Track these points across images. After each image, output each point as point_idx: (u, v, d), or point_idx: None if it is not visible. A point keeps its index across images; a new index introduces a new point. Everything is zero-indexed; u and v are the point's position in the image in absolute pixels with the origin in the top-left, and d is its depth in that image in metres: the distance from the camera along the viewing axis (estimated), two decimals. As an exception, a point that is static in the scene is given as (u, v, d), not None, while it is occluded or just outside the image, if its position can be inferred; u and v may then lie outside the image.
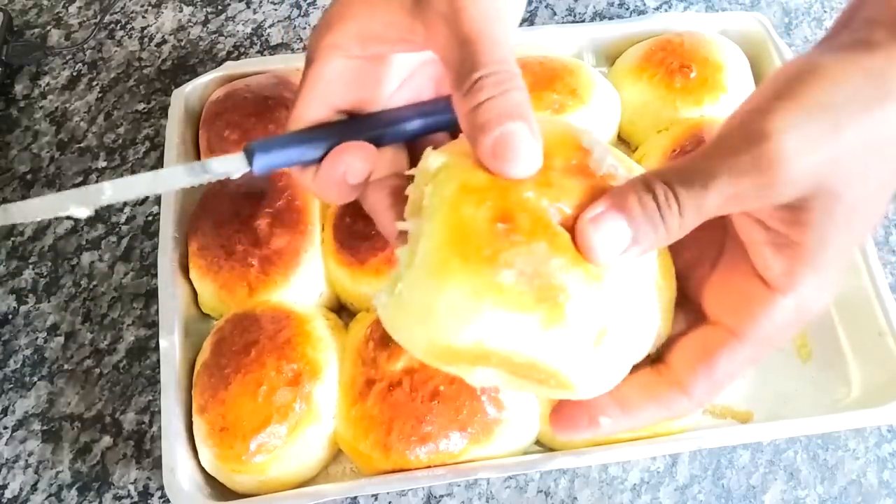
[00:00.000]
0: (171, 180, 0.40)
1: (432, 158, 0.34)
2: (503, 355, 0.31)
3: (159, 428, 0.52)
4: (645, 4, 0.77)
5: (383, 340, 0.51)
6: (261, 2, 0.76)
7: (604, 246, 0.30)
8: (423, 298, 0.31)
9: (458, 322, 0.30)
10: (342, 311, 0.59)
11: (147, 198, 0.65)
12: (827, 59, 0.31)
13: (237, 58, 0.73)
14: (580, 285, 0.30)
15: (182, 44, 0.74)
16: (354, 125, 0.39)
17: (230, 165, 0.38)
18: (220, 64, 0.68)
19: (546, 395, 0.34)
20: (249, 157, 0.38)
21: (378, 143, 0.39)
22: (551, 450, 0.52)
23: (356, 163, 0.37)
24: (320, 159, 0.38)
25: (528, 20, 0.75)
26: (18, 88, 0.71)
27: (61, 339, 0.59)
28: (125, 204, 0.65)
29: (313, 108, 0.38)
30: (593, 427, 0.35)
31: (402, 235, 0.36)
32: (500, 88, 0.32)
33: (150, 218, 0.64)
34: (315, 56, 0.37)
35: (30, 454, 0.55)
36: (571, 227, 0.31)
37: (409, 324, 0.32)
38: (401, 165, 0.41)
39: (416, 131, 0.40)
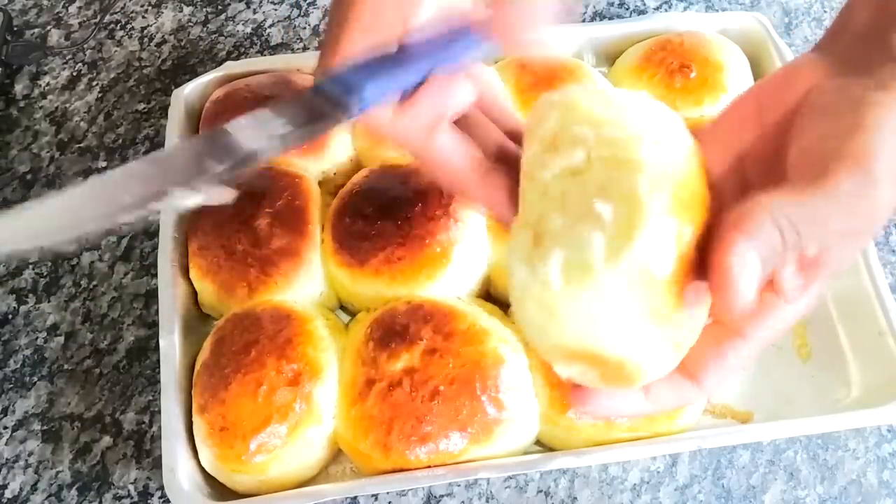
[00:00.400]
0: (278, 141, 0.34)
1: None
2: (611, 359, 0.32)
3: (159, 428, 0.52)
4: (645, 4, 0.77)
5: (383, 340, 0.51)
6: (261, 2, 0.76)
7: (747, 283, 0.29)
8: (578, 306, 0.30)
9: (598, 328, 0.31)
10: (342, 311, 0.59)
11: (147, 198, 0.65)
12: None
13: (237, 58, 0.73)
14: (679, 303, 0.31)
15: (182, 44, 0.74)
16: (411, 54, 0.35)
17: (337, 104, 0.33)
18: (220, 64, 0.68)
19: (601, 385, 0.35)
20: (347, 93, 0.33)
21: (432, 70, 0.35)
22: (551, 450, 0.52)
23: (461, 94, 0.34)
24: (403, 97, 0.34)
25: (528, 20, 0.75)
26: (18, 88, 0.71)
27: (61, 339, 0.59)
28: (125, 204, 0.65)
29: (355, 49, 0.34)
30: (614, 411, 0.37)
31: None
32: None
33: (149, 218, 0.64)
34: None
35: (30, 454, 0.55)
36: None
37: (548, 320, 0.32)
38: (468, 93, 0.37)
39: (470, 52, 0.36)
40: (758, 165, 0.35)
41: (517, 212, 0.35)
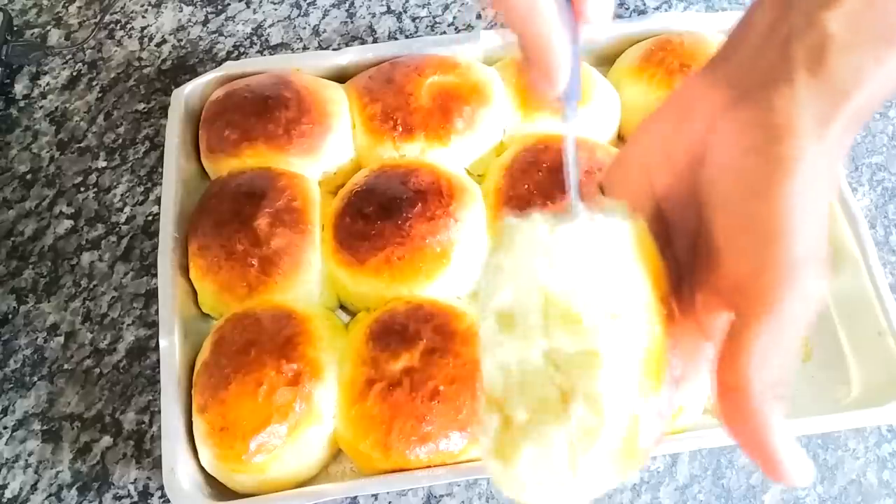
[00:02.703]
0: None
1: None
2: None
3: (159, 428, 0.52)
4: (645, 4, 0.77)
5: (383, 340, 0.51)
6: (261, 2, 0.76)
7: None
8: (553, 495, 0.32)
9: None
10: (342, 311, 0.59)
11: (147, 197, 0.65)
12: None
13: (237, 58, 0.73)
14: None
15: (182, 44, 0.74)
16: None
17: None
18: (220, 64, 0.68)
19: None
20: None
21: None
22: (551, 450, 0.52)
23: None
24: None
25: (528, 20, 0.75)
26: (18, 88, 0.71)
27: (61, 339, 0.59)
28: (125, 204, 0.65)
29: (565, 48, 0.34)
30: None
31: None
32: None
33: (150, 218, 0.64)
34: None
35: (30, 454, 0.55)
36: None
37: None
38: None
39: None
40: (674, 204, 0.34)
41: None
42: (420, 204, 0.56)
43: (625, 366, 0.31)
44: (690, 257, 0.34)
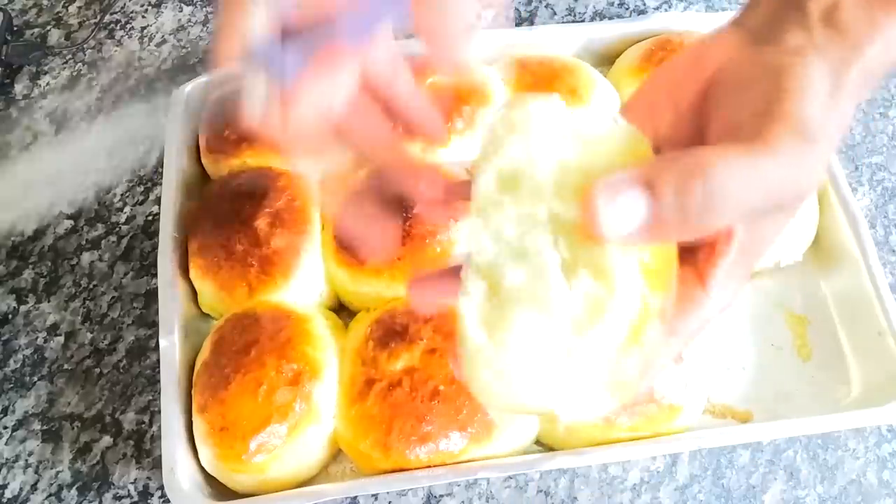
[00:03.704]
0: None
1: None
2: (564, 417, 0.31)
3: (159, 428, 0.52)
4: (645, 4, 0.77)
5: (383, 340, 0.51)
6: (261, 2, 0.76)
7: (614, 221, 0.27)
8: (540, 374, 0.29)
9: (558, 394, 0.29)
10: (342, 311, 0.59)
11: (147, 198, 0.65)
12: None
13: (237, 58, 0.73)
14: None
15: (182, 44, 0.74)
16: (302, 40, 0.30)
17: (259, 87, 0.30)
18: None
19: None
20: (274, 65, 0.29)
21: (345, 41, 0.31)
22: (551, 449, 0.52)
23: (341, 78, 0.30)
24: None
25: (528, 20, 0.75)
26: (18, 88, 0.71)
27: (61, 339, 0.59)
28: (125, 204, 0.65)
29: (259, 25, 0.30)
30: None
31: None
32: None
33: (150, 218, 0.64)
34: None
35: (30, 454, 0.55)
36: None
37: (504, 385, 0.30)
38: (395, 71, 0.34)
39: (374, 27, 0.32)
40: (674, 148, 0.33)
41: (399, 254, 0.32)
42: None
43: (636, 251, 0.28)
44: None
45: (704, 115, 0.32)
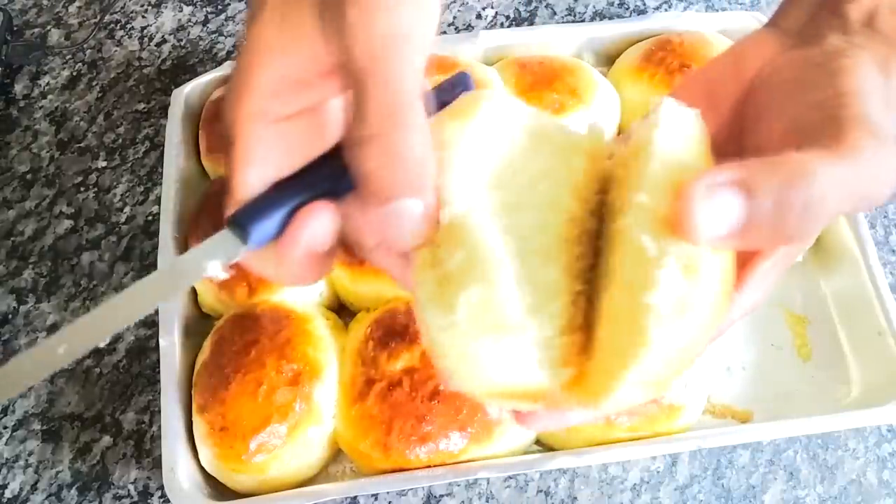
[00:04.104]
0: (143, 301, 0.30)
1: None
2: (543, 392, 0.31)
3: (159, 428, 0.52)
4: (645, 4, 0.77)
5: (383, 340, 0.51)
6: (261, 2, 0.76)
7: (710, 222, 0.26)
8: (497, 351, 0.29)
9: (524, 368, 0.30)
10: (342, 311, 0.59)
11: (147, 197, 0.65)
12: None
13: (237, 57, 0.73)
14: None
15: (182, 43, 0.74)
16: (305, 182, 0.31)
17: (221, 250, 0.30)
18: (220, 64, 0.68)
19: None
20: (242, 232, 0.30)
21: (342, 190, 0.31)
22: (551, 449, 0.52)
23: (315, 229, 0.30)
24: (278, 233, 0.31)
25: (528, 20, 0.75)
26: (18, 88, 0.71)
27: (61, 339, 0.59)
28: (125, 204, 0.65)
29: (252, 190, 0.31)
30: (560, 425, 0.35)
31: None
32: (384, 156, 0.27)
33: (150, 218, 0.64)
34: (237, 133, 0.30)
35: (30, 454, 0.55)
36: None
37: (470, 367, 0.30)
38: None
39: None
40: (713, 147, 0.33)
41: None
42: (420, 204, 0.56)
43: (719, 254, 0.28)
44: None
45: (750, 116, 0.32)
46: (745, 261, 0.31)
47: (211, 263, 0.30)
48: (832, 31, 0.31)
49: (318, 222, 0.30)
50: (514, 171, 0.33)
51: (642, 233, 0.28)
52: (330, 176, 0.31)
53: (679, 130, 0.30)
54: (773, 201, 0.26)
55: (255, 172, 0.30)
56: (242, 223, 0.30)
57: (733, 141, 0.33)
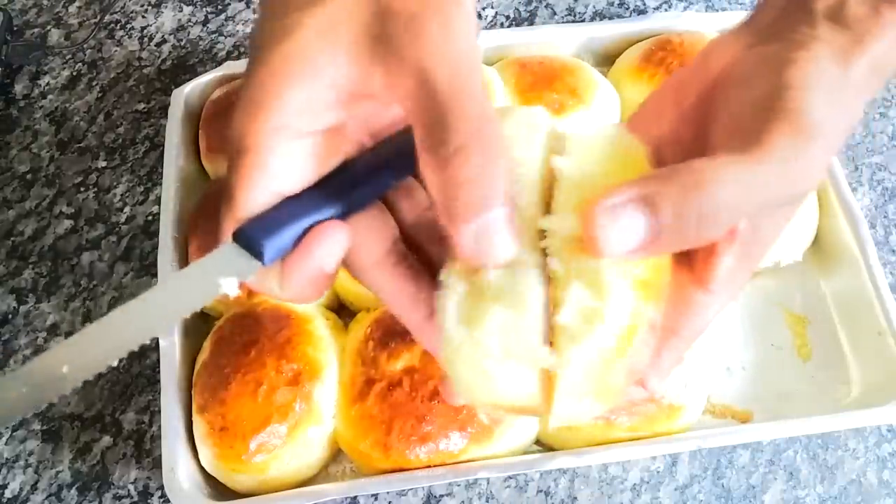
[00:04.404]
0: (155, 323, 0.31)
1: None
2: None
3: (159, 428, 0.52)
4: (645, 4, 0.77)
5: (383, 340, 0.51)
6: (261, 2, 0.76)
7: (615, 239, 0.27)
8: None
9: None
10: (342, 311, 0.59)
11: (147, 197, 0.65)
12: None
13: (237, 57, 0.73)
14: None
15: (182, 43, 0.74)
16: (316, 199, 0.31)
17: (233, 266, 0.30)
18: (220, 64, 0.68)
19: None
20: (255, 248, 0.30)
21: (349, 210, 0.31)
22: (551, 449, 0.52)
23: (329, 249, 0.30)
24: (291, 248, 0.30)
25: (528, 20, 0.75)
26: (18, 88, 0.71)
27: (61, 339, 0.59)
28: (125, 204, 0.65)
29: (261, 204, 0.30)
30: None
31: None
32: (481, 165, 0.27)
33: (150, 218, 0.64)
34: (250, 144, 0.30)
35: (30, 454, 0.55)
36: None
37: (485, 382, 0.30)
38: (389, 230, 0.33)
39: (387, 185, 0.33)
40: (675, 149, 0.34)
41: (423, 313, 0.32)
42: (420, 204, 0.56)
43: (629, 264, 0.29)
44: None
45: (709, 114, 0.32)
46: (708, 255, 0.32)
47: (226, 281, 0.30)
48: (798, 27, 0.31)
49: (334, 241, 0.30)
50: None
51: (552, 256, 0.29)
52: (340, 195, 0.31)
53: (580, 143, 0.31)
54: (672, 212, 0.27)
55: (266, 186, 0.30)
56: (255, 238, 0.29)
57: (697, 139, 0.33)
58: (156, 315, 0.31)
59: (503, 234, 0.28)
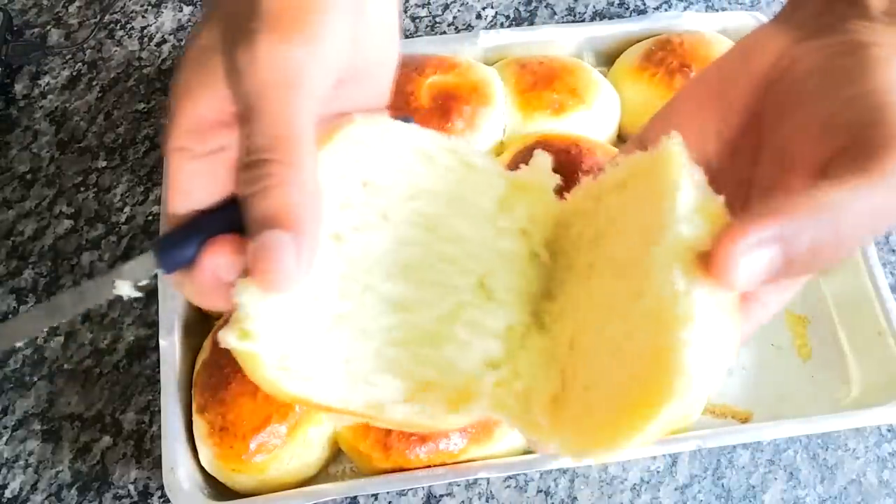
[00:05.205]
0: (58, 313, 0.35)
1: None
2: None
3: (159, 428, 0.52)
4: (645, 4, 0.77)
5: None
6: (261, 2, 0.76)
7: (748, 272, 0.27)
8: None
9: None
10: (342, 310, 0.59)
11: (147, 197, 0.65)
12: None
13: (237, 58, 0.73)
14: None
15: (182, 43, 0.74)
16: (220, 214, 0.33)
17: (137, 271, 0.34)
18: (220, 64, 0.68)
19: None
20: (160, 257, 0.33)
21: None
22: (551, 449, 0.52)
23: (217, 261, 0.32)
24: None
25: (528, 20, 0.75)
26: (18, 88, 0.71)
27: (61, 339, 0.59)
28: (125, 204, 0.65)
29: (177, 219, 0.33)
30: None
31: None
32: (263, 184, 0.28)
33: (149, 218, 0.64)
34: (167, 159, 0.32)
35: (30, 454, 0.55)
36: None
37: None
38: None
39: None
40: (726, 146, 0.33)
41: None
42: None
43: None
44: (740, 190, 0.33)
45: (770, 112, 0.32)
46: None
47: (121, 283, 0.34)
48: (851, 20, 0.31)
49: (222, 253, 0.32)
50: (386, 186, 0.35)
51: (672, 267, 0.28)
52: (237, 210, 0.32)
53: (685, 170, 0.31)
54: (808, 248, 0.27)
55: (180, 203, 0.32)
56: (162, 249, 0.33)
57: (751, 136, 0.32)
58: (63, 306, 0.36)
59: (283, 261, 0.28)
